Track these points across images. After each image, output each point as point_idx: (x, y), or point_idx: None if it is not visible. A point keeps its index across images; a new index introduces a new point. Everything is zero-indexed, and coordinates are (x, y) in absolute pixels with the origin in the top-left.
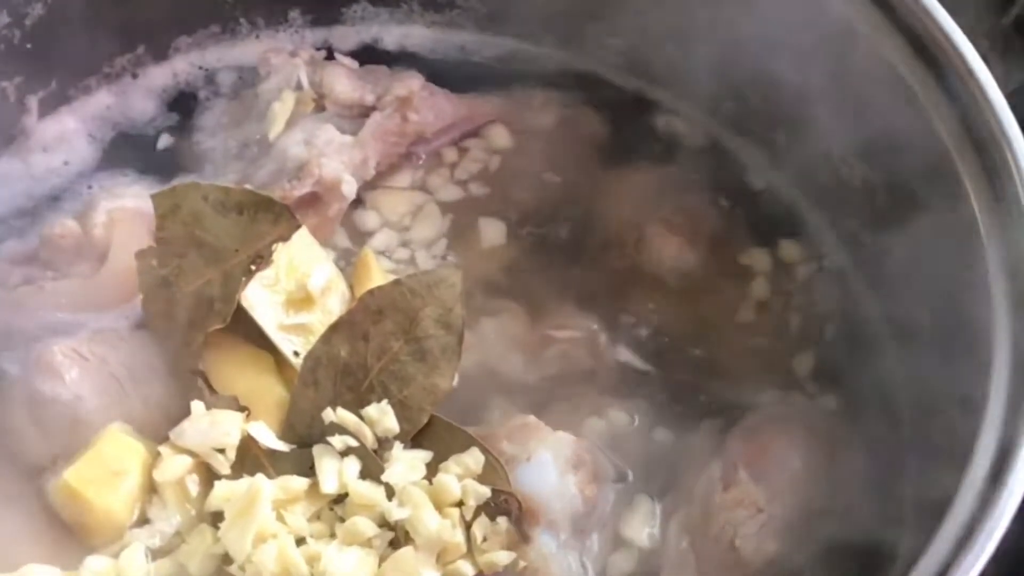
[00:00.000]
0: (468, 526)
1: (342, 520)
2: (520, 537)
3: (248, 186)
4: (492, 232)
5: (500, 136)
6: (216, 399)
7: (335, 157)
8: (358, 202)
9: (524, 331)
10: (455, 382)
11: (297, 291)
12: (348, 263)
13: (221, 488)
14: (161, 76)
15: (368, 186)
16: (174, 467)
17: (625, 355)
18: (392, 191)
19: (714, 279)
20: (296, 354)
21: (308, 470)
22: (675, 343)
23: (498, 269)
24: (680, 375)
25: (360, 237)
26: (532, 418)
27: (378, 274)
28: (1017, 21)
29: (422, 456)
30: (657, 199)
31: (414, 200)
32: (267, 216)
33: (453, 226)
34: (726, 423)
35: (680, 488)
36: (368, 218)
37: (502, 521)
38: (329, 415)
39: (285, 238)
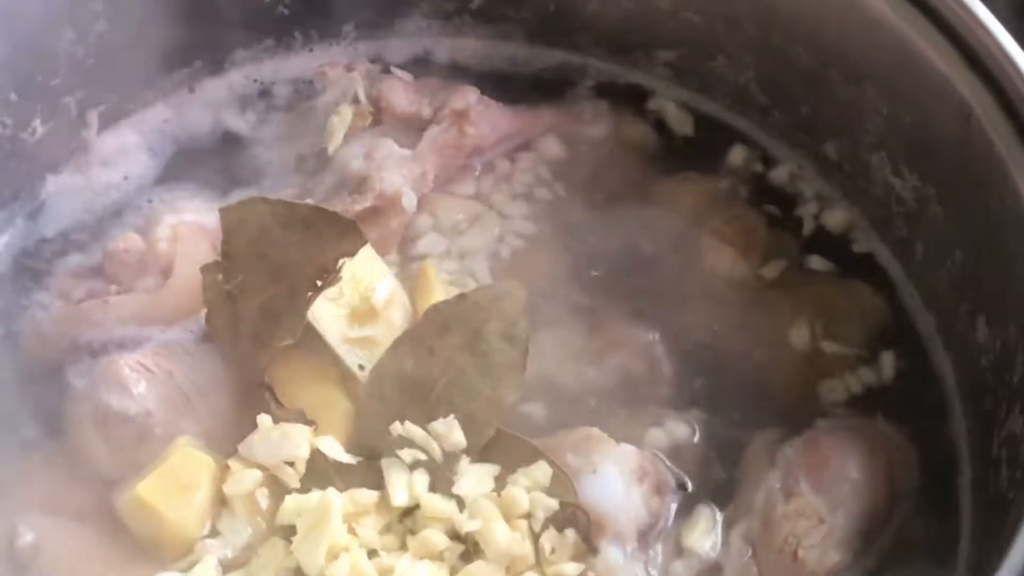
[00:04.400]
0: (536, 538)
1: (412, 533)
2: (587, 549)
3: (309, 200)
4: (546, 244)
5: (552, 147)
6: (283, 412)
7: (395, 171)
8: None
9: (582, 342)
10: (519, 395)
11: (361, 304)
12: (400, 270)
13: (292, 501)
14: (217, 90)
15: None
16: (244, 481)
17: (682, 365)
18: (450, 197)
19: (767, 289)
20: (361, 367)
21: (376, 483)
22: (731, 353)
23: (553, 281)
24: (737, 385)
25: (405, 241)
26: (595, 430)
27: (439, 287)
28: None
29: (490, 470)
30: (708, 209)
31: (470, 209)
32: (333, 231)
33: (507, 237)
34: (784, 434)
35: (741, 498)
36: (420, 221)
37: (570, 533)
38: (396, 428)
39: (351, 253)
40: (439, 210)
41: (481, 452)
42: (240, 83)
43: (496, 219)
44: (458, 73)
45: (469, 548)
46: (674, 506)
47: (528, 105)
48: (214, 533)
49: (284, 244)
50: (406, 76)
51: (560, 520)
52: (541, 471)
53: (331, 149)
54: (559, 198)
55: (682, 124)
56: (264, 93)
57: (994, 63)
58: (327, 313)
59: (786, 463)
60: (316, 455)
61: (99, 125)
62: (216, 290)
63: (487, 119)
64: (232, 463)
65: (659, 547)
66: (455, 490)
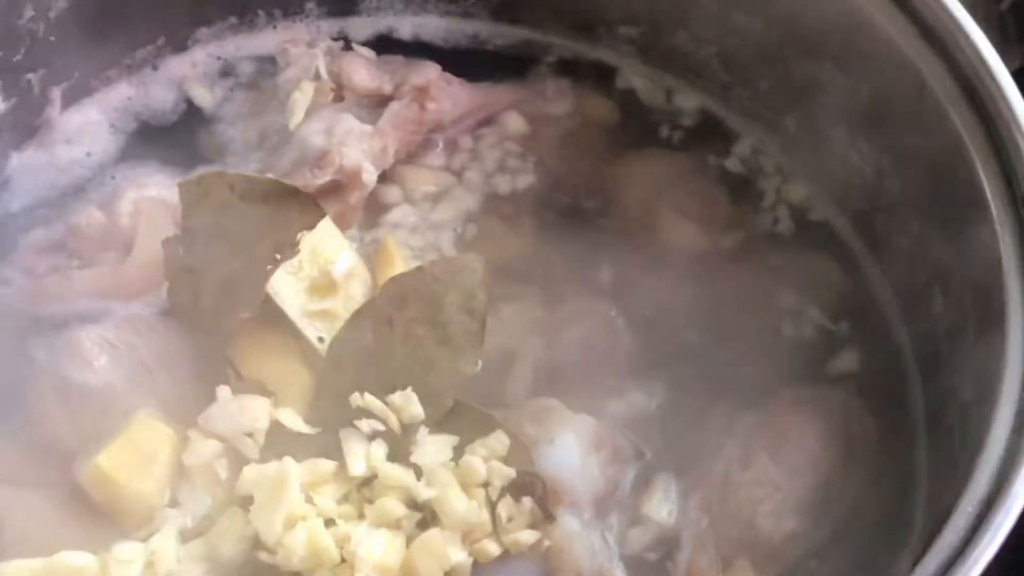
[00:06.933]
0: (493, 506)
1: (370, 502)
2: (544, 517)
3: (271, 175)
4: (508, 219)
5: (515, 124)
6: (243, 384)
7: (355, 146)
8: (382, 176)
9: (542, 315)
10: (478, 367)
11: (320, 278)
12: (365, 243)
13: (250, 472)
14: (181, 67)
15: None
16: (203, 451)
17: (641, 337)
18: (419, 168)
19: (728, 262)
20: (321, 339)
21: (335, 453)
22: (691, 325)
23: (515, 255)
24: (696, 357)
25: (377, 213)
26: (554, 401)
27: (399, 261)
28: (1014, 6)
29: (449, 440)
30: (669, 184)
31: (440, 181)
32: (293, 205)
33: (469, 213)
34: (743, 404)
35: (699, 467)
36: (390, 193)
37: (527, 501)
38: (356, 399)
39: (310, 227)
40: (408, 182)
41: (440, 423)
42: (203, 60)
43: (459, 194)
44: (421, 51)
45: (427, 517)
46: (631, 474)
47: (491, 82)
48: (174, 503)
49: (244, 218)
50: (368, 53)
51: (517, 488)
52: (499, 441)
53: (292, 125)
54: (521, 174)
55: (644, 99)
56: (227, 70)
57: (947, 34)
58: (287, 286)
59: (745, 433)
60: (275, 426)
61: (62, 102)
62: (177, 264)
63: (448, 95)
64: (192, 434)
65: (616, 515)
66: (413, 459)
